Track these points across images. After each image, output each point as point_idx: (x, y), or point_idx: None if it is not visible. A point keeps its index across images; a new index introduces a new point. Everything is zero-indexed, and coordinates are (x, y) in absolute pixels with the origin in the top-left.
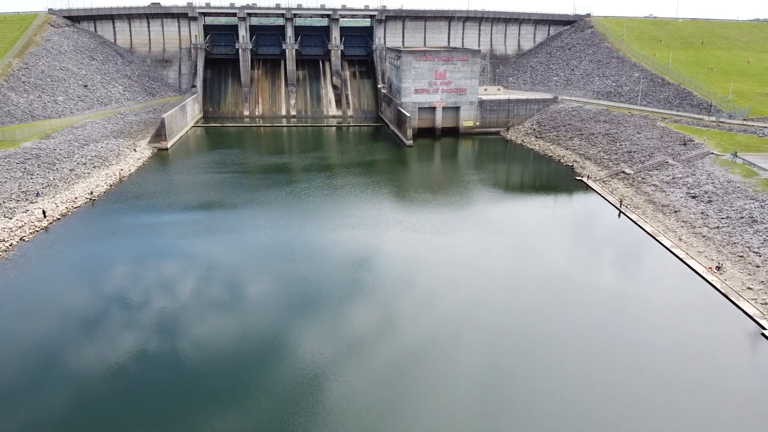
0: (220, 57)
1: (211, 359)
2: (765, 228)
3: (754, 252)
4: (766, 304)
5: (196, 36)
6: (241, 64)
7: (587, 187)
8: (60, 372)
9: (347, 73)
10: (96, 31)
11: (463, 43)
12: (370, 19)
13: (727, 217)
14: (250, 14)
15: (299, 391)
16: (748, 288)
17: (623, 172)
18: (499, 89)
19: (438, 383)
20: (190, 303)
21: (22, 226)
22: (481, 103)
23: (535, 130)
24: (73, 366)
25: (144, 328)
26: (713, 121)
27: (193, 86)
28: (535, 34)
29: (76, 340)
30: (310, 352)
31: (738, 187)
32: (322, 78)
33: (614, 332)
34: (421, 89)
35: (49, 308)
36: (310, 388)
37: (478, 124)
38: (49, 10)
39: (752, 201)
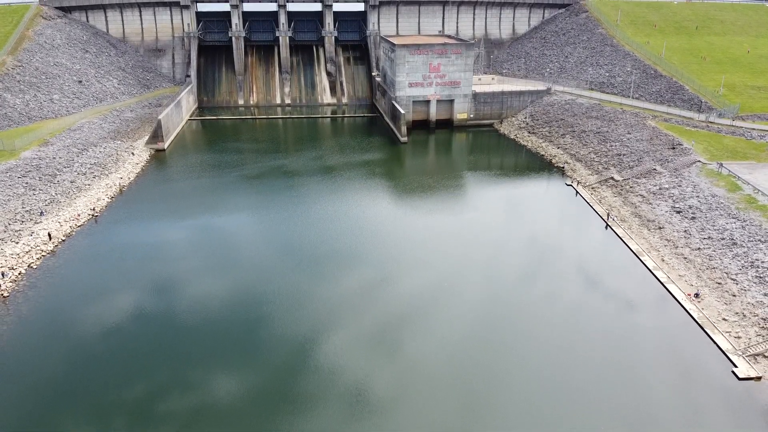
0: (214, 44)
1: (226, 378)
2: (744, 252)
3: (732, 279)
4: (738, 337)
5: (188, 24)
6: (234, 51)
7: (576, 194)
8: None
9: (341, 59)
10: (88, 21)
11: (457, 28)
12: (363, 4)
13: (709, 237)
14: (242, 0)
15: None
16: (724, 319)
17: (612, 178)
18: (493, 78)
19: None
20: (205, 326)
21: (29, 251)
22: (475, 95)
23: (528, 124)
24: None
25: (169, 366)
26: (702, 121)
27: (188, 76)
28: (529, 18)
29: (99, 386)
30: (301, 369)
31: (721, 203)
32: (316, 64)
33: (581, 361)
34: (416, 83)
35: (67, 350)
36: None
37: (472, 116)
38: (40, 0)
39: (734, 220)
